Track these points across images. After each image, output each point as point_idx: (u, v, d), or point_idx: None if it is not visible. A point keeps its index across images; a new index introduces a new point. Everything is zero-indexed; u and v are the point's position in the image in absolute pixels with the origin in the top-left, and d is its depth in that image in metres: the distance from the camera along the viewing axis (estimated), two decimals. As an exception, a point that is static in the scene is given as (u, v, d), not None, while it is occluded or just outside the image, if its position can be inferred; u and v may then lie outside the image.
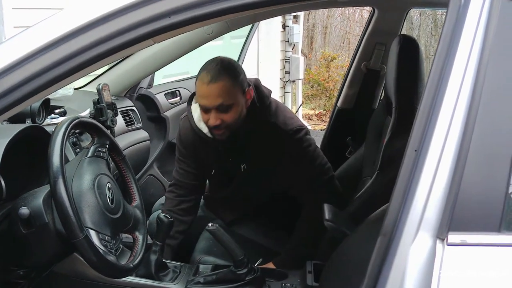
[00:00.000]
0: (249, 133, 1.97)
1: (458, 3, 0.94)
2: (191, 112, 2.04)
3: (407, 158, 0.93)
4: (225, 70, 1.84)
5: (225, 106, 1.84)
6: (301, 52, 8.29)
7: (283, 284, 1.77)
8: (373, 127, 2.26)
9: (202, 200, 2.37)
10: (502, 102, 0.92)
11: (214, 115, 1.86)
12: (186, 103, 2.10)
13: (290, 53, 7.39)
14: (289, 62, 7.37)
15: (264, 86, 2.04)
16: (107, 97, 2.24)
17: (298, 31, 7.33)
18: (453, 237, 0.88)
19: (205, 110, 1.88)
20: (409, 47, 1.97)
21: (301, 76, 7.66)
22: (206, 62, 1.91)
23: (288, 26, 7.21)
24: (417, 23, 10.37)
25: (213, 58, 1.91)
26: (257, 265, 1.80)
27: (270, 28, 6.85)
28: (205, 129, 1.99)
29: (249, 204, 2.15)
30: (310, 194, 2.02)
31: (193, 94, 2.03)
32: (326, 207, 1.73)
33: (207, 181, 2.27)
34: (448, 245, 0.88)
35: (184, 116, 2.13)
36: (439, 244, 0.88)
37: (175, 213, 2.11)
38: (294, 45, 7.42)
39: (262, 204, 2.15)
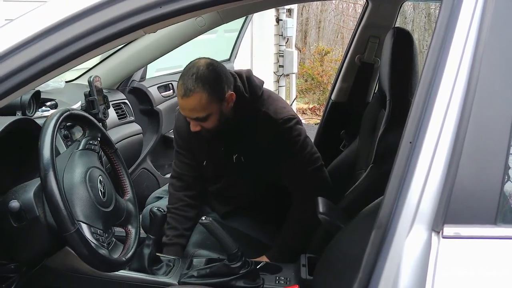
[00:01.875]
0: (240, 123, 1.97)
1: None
2: None
3: (402, 150, 0.92)
4: (200, 82, 1.82)
5: (200, 118, 1.87)
6: (295, 46, 8.27)
7: (277, 278, 1.77)
8: (367, 121, 2.25)
9: None
10: (497, 94, 0.92)
11: (193, 123, 1.91)
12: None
13: (284, 47, 7.36)
14: (283, 56, 7.35)
15: (256, 77, 2.04)
16: (99, 89, 2.21)
17: (292, 25, 7.31)
18: (448, 230, 0.87)
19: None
20: (403, 40, 1.96)
21: (295, 70, 7.64)
22: (185, 67, 1.90)
23: (281, 20, 7.18)
24: (411, 17, 10.37)
25: (192, 63, 1.90)
26: (259, 266, 1.79)
27: (263, 22, 6.83)
28: None
29: (242, 196, 2.15)
30: (299, 183, 2.02)
31: None
32: (319, 200, 1.73)
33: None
34: (443, 237, 0.87)
35: (179, 108, 2.11)
36: (434, 237, 0.88)
37: (181, 210, 2.11)
38: (288, 39, 7.40)
39: (255, 196, 2.14)
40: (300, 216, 2.02)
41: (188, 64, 1.91)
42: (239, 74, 1.99)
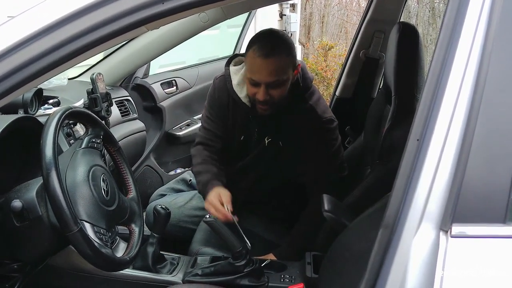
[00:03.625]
0: (285, 109, 1.95)
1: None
2: (229, 75, 2.01)
3: (409, 147, 0.91)
4: (281, 44, 1.82)
5: (279, 81, 1.82)
6: (299, 41, 8.24)
7: (282, 276, 1.76)
8: (372, 116, 2.23)
9: None
10: (506, 90, 0.90)
11: (264, 90, 1.83)
12: (184, 91, 2.07)
13: (288, 42, 7.34)
14: (286, 51, 7.32)
15: (308, 71, 2.04)
16: (102, 87, 2.20)
17: (295, 20, 7.28)
18: (456, 229, 0.86)
19: (254, 84, 1.85)
20: (409, 34, 1.93)
21: (299, 65, 7.62)
22: (257, 34, 1.88)
23: (285, 15, 7.16)
24: (415, 11, 10.31)
25: (264, 30, 1.89)
26: (264, 264, 1.77)
27: (267, 17, 6.80)
28: (241, 93, 1.97)
29: (257, 187, 2.12)
30: (319, 186, 1.99)
31: (234, 56, 2.04)
32: (324, 197, 1.71)
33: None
34: (451, 237, 0.85)
35: (220, 76, 2.09)
36: (442, 236, 0.86)
37: (212, 158, 2.07)
38: (291, 34, 7.36)
39: (267, 190, 2.12)
40: (314, 218, 1.99)
41: (262, 30, 1.89)
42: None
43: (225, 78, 2.02)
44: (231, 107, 2.01)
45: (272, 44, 1.80)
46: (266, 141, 2.00)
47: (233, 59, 2.05)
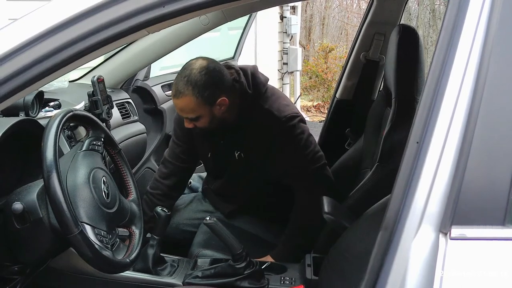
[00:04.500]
0: (242, 120, 1.96)
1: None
2: None
3: (409, 150, 0.91)
4: (190, 86, 1.82)
5: (190, 118, 1.89)
6: (299, 43, 8.25)
7: (282, 278, 1.76)
8: (373, 119, 2.23)
9: (200, 193, 2.35)
10: (506, 92, 0.90)
11: (186, 120, 1.93)
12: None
13: (288, 44, 7.35)
14: (287, 53, 7.34)
15: (261, 73, 2.03)
16: (102, 89, 2.21)
17: (296, 22, 7.29)
18: (456, 231, 0.86)
19: None
20: (409, 36, 1.94)
21: (299, 67, 7.63)
22: (183, 66, 1.90)
23: (285, 17, 7.17)
24: (415, 13, 10.32)
25: (188, 64, 1.89)
26: (264, 266, 1.78)
27: (267, 19, 6.81)
28: None
29: (245, 194, 2.14)
30: (301, 182, 2.01)
31: None
32: (325, 199, 1.72)
33: (205, 172, 2.29)
34: (451, 239, 0.86)
35: None
36: (442, 238, 0.86)
37: (156, 198, 2.13)
38: (292, 36, 7.38)
39: (258, 194, 2.13)
40: (303, 214, 2.01)
41: (186, 63, 1.90)
42: (244, 70, 1.98)
43: None
44: (194, 129, 2.02)
45: (181, 84, 1.83)
46: (236, 155, 2.01)
47: None
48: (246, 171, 2.05)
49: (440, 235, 0.86)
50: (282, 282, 1.74)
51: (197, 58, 1.91)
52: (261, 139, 1.96)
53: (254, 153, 2.00)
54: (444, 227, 0.86)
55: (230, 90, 1.91)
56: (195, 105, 1.84)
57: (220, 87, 1.88)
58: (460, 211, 0.86)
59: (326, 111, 3.17)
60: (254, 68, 2.02)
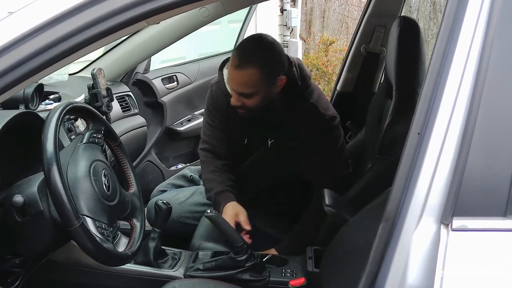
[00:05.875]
0: (285, 109, 1.94)
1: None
2: (223, 77, 1.99)
3: (410, 141, 0.91)
4: (256, 57, 1.77)
5: (245, 94, 1.82)
6: (299, 36, 8.23)
7: (283, 270, 1.76)
8: (373, 111, 2.23)
9: (202, 187, 2.33)
10: (508, 84, 0.89)
11: (236, 97, 1.85)
12: (184, 86, 2.06)
13: (288, 37, 7.33)
14: (287, 46, 7.31)
15: (306, 67, 2.01)
16: (102, 82, 2.20)
17: (296, 15, 7.26)
18: (457, 222, 0.86)
19: (230, 88, 1.88)
20: (410, 28, 1.93)
21: (300, 60, 7.59)
22: (247, 38, 1.85)
23: (286, 10, 7.14)
24: (416, 6, 10.28)
25: (254, 35, 1.86)
26: (265, 259, 1.77)
27: (267, 12, 6.79)
28: None
29: (259, 186, 2.11)
30: (324, 183, 1.98)
31: (227, 60, 1.98)
32: (325, 192, 1.71)
33: None
34: (452, 230, 0.86)
35: (215, 82, 2.08)
36: (443, 230, 0.86)
37: (223, 170, 2.05)
38: (292, 29, 7.36)
39: (271, 187, 2.12)
40: (319, 214, 1.99)
41: (249, 36, 1.86)
42: (292, 60, 1.95)
43: (219, 83, 2.01)
44: (230, 111, 2.00)
45: (246, 55, 1.78)
46: (269, 142, 1.99)
47: (226, 62, 2.01)
48: (274, 161, 2.02)
49: (442, 227, 0.86)
50: (283, 274, 1.74)
51: (259, 34, 1.87)
52: (300, 131, 1.94)
53: (288, 144, 1.98)
54: (445, 219, 0.86)
55: (288, 71, 1.88)
56: (257, 79, 1.78)
57: (283, 65, 1.85)
58: (461, 202, 0.86)
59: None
60: (299, 60, 2.00)
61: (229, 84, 1.87)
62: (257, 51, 1.79)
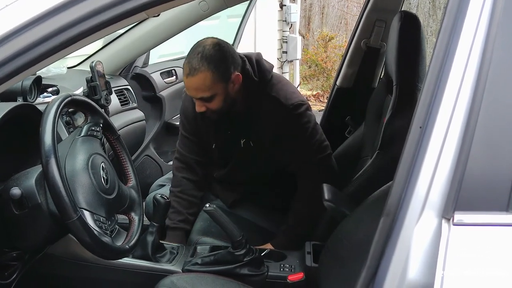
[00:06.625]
0: (249, 107, 1.94)
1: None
2: None
3: (412, 135, 0.90)
4: (206, 61, 1.79)
5: (205, 98, 1.84)
6: (299, 32, 8.21)
7: (282, 265, 1.75)
8: (373, 106, 2.22)
9: None
10: (510, 78, 0.89)
11: (198, 103, 1.88)
12: (183, 81, 2.05)
13: (288, 32, 7.31)
14: (286, 42, 7.29)
15: (266, 61, 2.01)
16: (101, 74, 2.19)
17: (295, 10, 7.24)
18: (459, 217, 0.85)
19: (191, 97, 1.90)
20: (410, 24, 1.92)
21: (299, 56, 7.58)
22: (193, 46, 1.86)
23: (285, 5, 7.12)
24: (415, 3, 10.27)
25: (199, 42, 1.86)
26: (263, 254, 1.77)
27: (267, 7, 6.77)
28: None
29: (248, 183, 2.13)
30: (306, 171, 2.00)
31: None
32: (325, 187, 1.71)
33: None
34: (454, 225, 0.85)
35: (185, 90, 2.08)
36: (444, 224, 0.85)
37: (185, 194, 2.09)
38: (291, 24, 7.33)
39: (261, 183, 2.12)
40: (306, 203, 2.00)
41: (195, 43, 1.87)
42: (248, 57, 1.96)
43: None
44: (199, 117, 2.01)
45: (195, 62, 1.79)
46: (242, 142, 2.00)
47: None
48: (251, 160, 2.03)
49: (443, 221, 0.86)
50: (281, 269, 1.74)
51: (206, 38, 1.88)
52: (268, 127, 1.95)
53: (260, 141, 1.98)
54: (446, 213, 0.86)
55: (242, 69, 1.89)
56: (211, 81, 1.80)
57: (234, 62, 1.86)
58: (463, 196, 0.85)
59: (326, 100, 3.16)
60: (259, 55, 2.00)
61: (187, 92, 1.90)
62: (204, 55, 1.80)
